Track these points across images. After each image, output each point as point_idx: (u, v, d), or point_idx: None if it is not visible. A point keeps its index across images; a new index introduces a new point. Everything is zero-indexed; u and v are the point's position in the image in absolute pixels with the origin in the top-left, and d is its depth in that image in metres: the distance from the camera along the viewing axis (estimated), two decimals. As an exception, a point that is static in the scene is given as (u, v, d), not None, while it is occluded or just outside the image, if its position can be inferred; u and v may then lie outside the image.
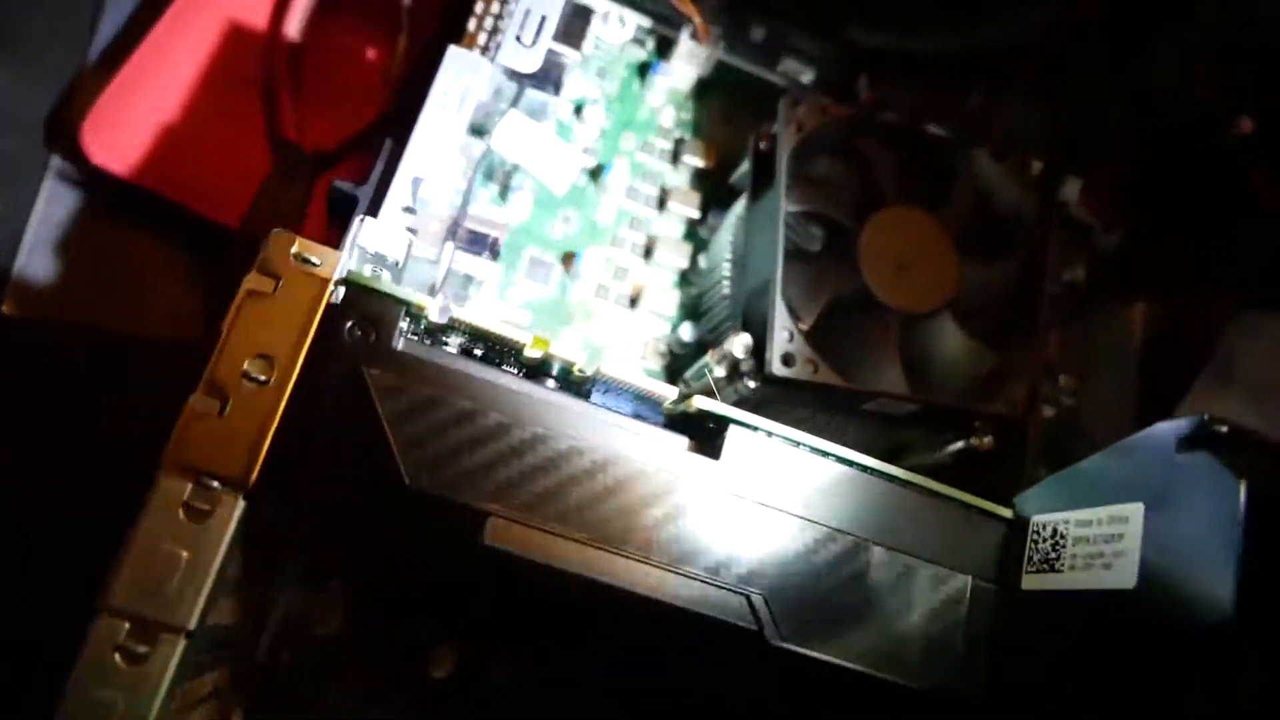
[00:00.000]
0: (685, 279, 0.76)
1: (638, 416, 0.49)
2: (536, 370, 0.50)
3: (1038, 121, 0.89)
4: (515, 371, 0.49)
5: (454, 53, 0.57)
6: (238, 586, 0.43)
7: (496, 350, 0.49)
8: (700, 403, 0.48)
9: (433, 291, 0.61)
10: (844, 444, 0.57)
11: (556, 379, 0.50)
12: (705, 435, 0.48)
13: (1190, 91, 0.78)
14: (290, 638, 0.51)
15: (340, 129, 0.77)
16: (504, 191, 0.72)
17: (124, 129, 0.73)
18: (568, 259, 0.73)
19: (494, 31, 0.60)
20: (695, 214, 0.77)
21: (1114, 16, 0.81)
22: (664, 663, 0.53)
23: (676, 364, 0.74)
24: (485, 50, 0.59)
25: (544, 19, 0.59)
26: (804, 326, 0.66)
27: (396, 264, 0.52)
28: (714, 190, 0.78)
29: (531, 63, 0.58)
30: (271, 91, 0.76)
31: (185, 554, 0.37)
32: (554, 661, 0.55)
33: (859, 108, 0.82)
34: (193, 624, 0.37)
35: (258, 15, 0.78)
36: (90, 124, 0.72)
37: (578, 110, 0.77)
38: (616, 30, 0.80)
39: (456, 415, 0.45)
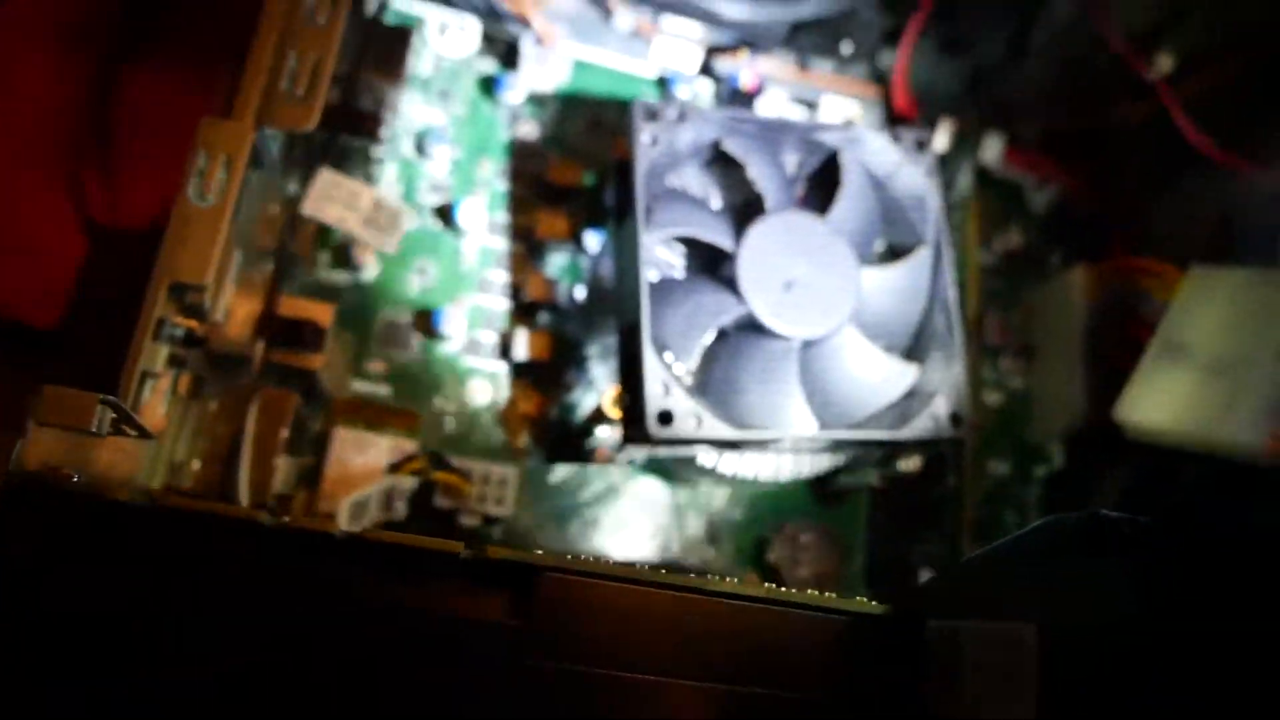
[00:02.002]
0: (567, 311, 0.68)
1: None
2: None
3: (948, 84, 0.80)
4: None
5: (206, 124, 0.49)
6: None
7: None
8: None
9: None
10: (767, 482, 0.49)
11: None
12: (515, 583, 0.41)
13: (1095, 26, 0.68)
14: None
15: (161, 200, 0.69)
16: (342, 253, 0.65)
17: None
18: (425, 317, 0.65)
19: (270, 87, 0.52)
20: (566, 241, 0.68)
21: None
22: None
23: (567, 411, 0.67)
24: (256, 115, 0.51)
25: (315, 63, 0.50)
26: (685, 370, 0.59)
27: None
28: (590, 210, 0.70)
29: (302, 118, 0.50)
30: (75, 169, 0.68)
31: None
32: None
33: (731, 101, 0.73)
34: None
35: (44, 79, 0.70)
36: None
37: (421, 145, 0.68)
38: (458, 42, 0.71)
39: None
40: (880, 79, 0.80)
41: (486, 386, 0.65)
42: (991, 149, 0.77)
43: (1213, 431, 0.60)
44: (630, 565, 0.40)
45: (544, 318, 0.67)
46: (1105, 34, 0.69)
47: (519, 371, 0.66)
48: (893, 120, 0.78)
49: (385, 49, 0.62)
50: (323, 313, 0.58)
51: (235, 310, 0.55)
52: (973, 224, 0.77)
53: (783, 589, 0.41)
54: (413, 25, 0.70)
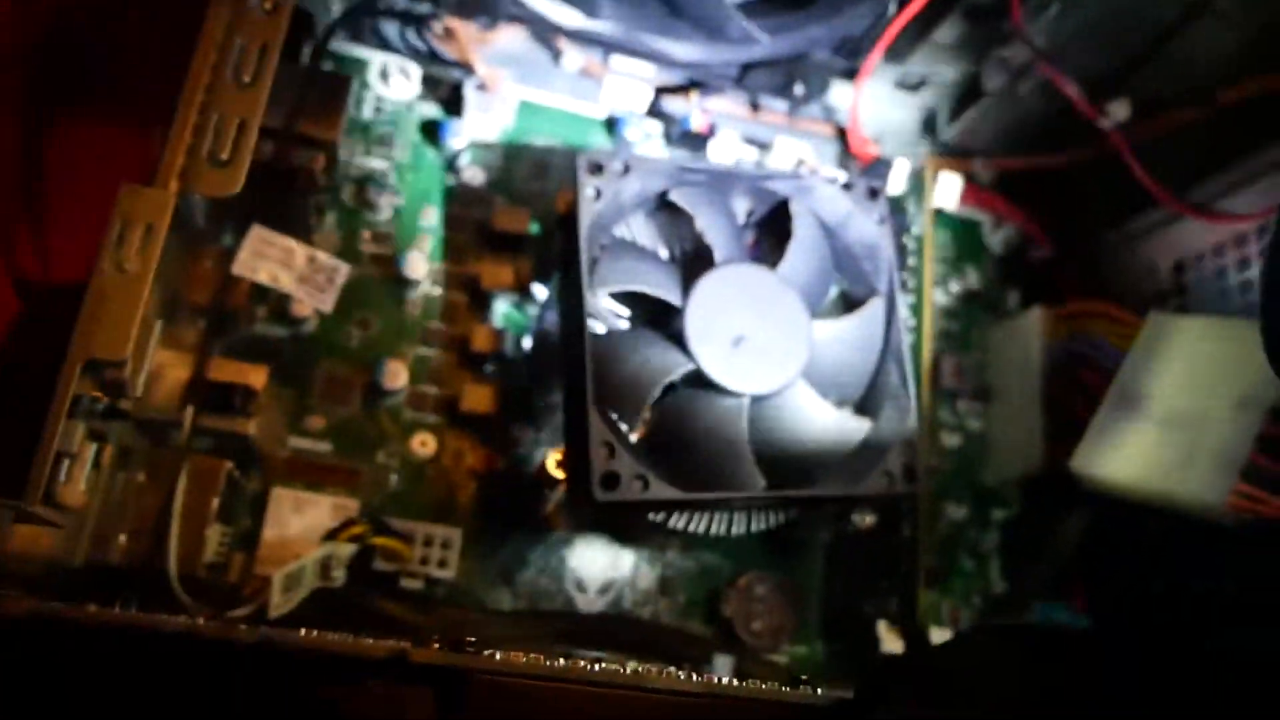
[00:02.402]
0: (511, 361, 0.67)
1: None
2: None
3: (903, 122, 0.79)
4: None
5: (125, 192, 0.47)
6: None
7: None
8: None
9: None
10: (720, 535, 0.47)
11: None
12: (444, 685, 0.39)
13: (1057, 70, 0.67)
14: None
15: (90, 251, 0.66)
16: (280, 306, 0.63)
17: None
18: (367, 371, 0.64)
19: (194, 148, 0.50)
20: (512, 291, 0.67)
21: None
22: None
23: (515, 465, 0.65)
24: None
25: (239, 126, 0.49)
26: (630, 430, 0.57)
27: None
28: (538, 259, 0.68)
29: (227, 184, 0.48)
30: (4, 226, 0.65)
31: None
32: None
33: (682, 142, 0.72)
34: None
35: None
36: None
37: (360, 189, 0.66)
38: (399, 86, 0.69)
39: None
40: (834, 118, 0.79)
41: (430, 441, 0.64)
42: (947, 189, 0.76)
43: (1172, 487, 0.59)
44: (567, 664, 0.39)
45: (490, 370, 0.66)
46: (1057, 80, 0.68)
47: (463, 425, 0.65)
48: (849, 164, 0.77)
49: (323, 98, 0.60)
50: (256, 375, 0.56)
51: (161, 375, 0.53)
52: (928, 265, 0.76)
53: (724, 681, 0.40)
54: (352, 69, 0.68)
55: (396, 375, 0.62)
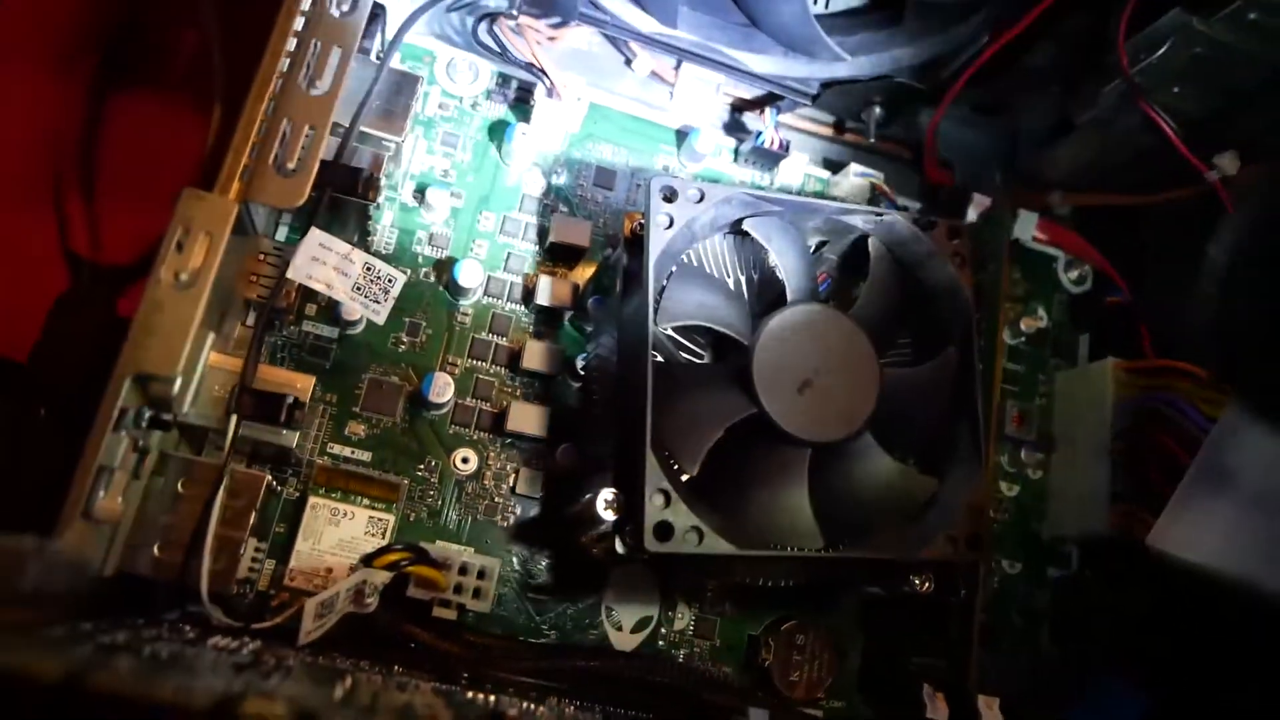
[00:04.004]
0: (564, 382, 0.64)
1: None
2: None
3: (979, 144, 0.75)
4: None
5: (187, 197, 0.44)
6: None
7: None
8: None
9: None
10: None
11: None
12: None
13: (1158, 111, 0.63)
14: None
15: (144, 234, 0.64)
16: (329, 308, 0.60)
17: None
18: (413, 380, 0.61)
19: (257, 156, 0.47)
20: (566, 307, 0.64)
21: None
22: None
23: (558, 492, 0.63)
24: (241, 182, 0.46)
25: (309, 136, 0.46)
26: (687, 474, 0.55)
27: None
28: (597, 275, 0.65)
29: (292, 195, 0.45)
30: (59, 200, 0.63)
31: None
32: None
33: (754, 159, 0.69)
34: None
35: (35, 106, 0.65)
36: None
37: (421, 191, 0.64)
38: (466, 82, 0.66)
39: None
40: (911, 142, 0.75)
41: (473, 458, 0.62)
42: (1023, 224, 0.73)
43: (1259, 575, 0.56)
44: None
45: (540, 388, 0.64)
46: (1157, 121, 0.64)
47: (508, 445, 0.62)
48: (924, 188, 0.74)
49: (390, 95, 0.58)
50: (303, 384, 0.54)
51: (206, 378, 0.51)
52: (1001, 303, 0.72)
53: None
54: (418, 61, 0.65)
55: (444, 389, 0.60)
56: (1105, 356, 0.70)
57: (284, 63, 0.49)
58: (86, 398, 0.62)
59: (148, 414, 0.46)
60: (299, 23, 0.50)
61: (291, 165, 0.46)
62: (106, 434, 0.43)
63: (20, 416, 0.61)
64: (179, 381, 0.44)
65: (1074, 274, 0.76)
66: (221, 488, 0.50)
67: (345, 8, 0.49)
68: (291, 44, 0.49)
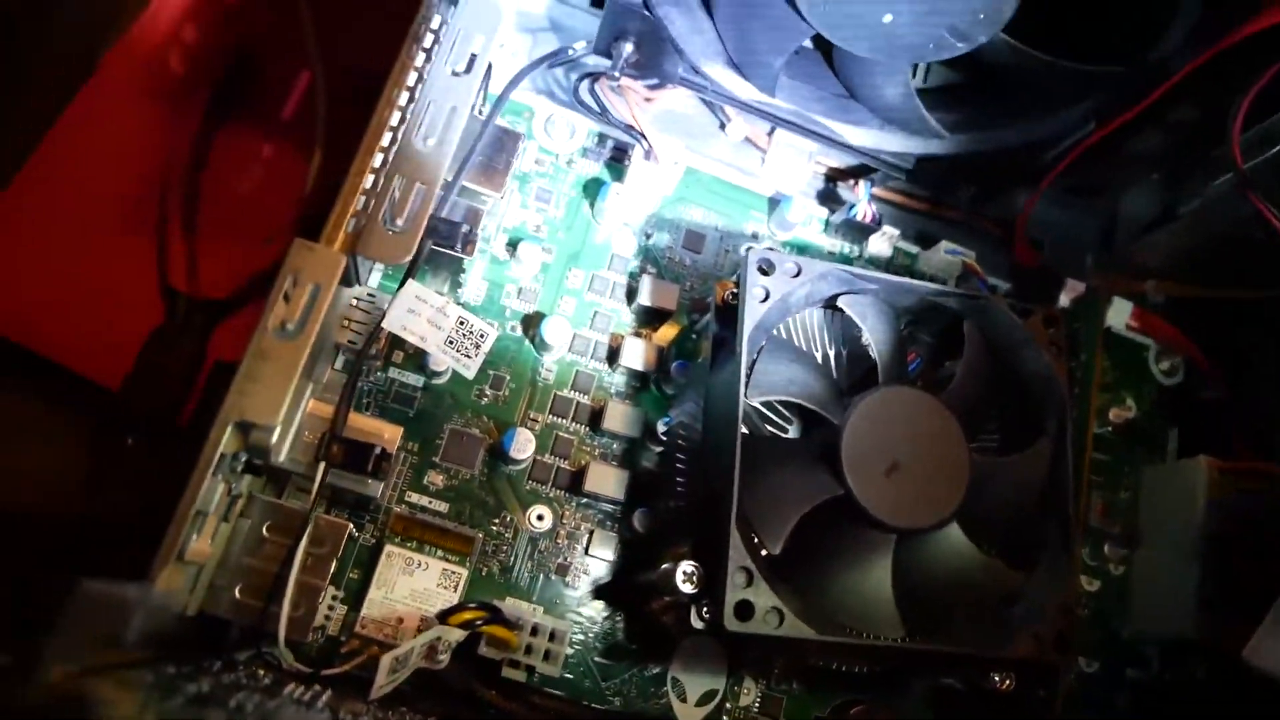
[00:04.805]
0: (643, 444, 0.64)
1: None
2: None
3: (1071, 225, 0.73)
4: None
5: (298, 248, 0.45)
6: None
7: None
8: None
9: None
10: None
11: None
12: None
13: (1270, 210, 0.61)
14: None
15: (239, 271, 0.66)
16: (416, 356, 0.61)
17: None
18: (494, 433, 0.61)
19: (368, 205, 0.48)
20: (650, 370, 0.64)
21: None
22: None
23: (631, 556, 0.62)
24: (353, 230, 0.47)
25: (419, 193, 0.46)
26: (769, 551, 0.53)
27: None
28: (680, 338, 0.65)
29: (399, 252, 0.46)
30: (161, 232, 0.65)
31: None
32: None
33: (845, 231, 0.68)
34: None
35: (147, 138, 0.67)
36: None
37: (513, 245, 0.64)
38: (563, 138, 0.67)
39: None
40: (1002, 219, 0.74)
41: (548, 515, 0.61)
42: (1119, 314, 0.71)
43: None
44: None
45: (619, 449, 0.63)
46: (1269, 217, 0.62)
47: (585, 505, 0.62)
48: (1012, 267, 0.73)
49: (492, 152, 0.58)
50: (391, 435, 0.54)
51: (301, 429, 0.52)
52: (1094, 393, 0.70)
53: None
54: (517, 115, 0.66)
55: (526, 445, 0.60)
56: (1195, 453, 0.68)
57: (394, 115, 0.50)
58: (174, 431, 0.63)
59: (243, 459, 0.46)
60: (411, 76, 0.50)
61: (400, 222, 0.47)
62: (206, 478, 0.43)
63: (109, 444, 0.62)
64: (278, 430, 0.44)
65: (1165, 365, 0.73)
66: (306, 536, 0.50)
67: (460, 68, 0.50)
68: (403, 97, 0.50)
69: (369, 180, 0.48)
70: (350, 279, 0.49)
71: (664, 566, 0.56)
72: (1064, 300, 0.70)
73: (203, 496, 0.43)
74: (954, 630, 0.54)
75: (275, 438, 0.45)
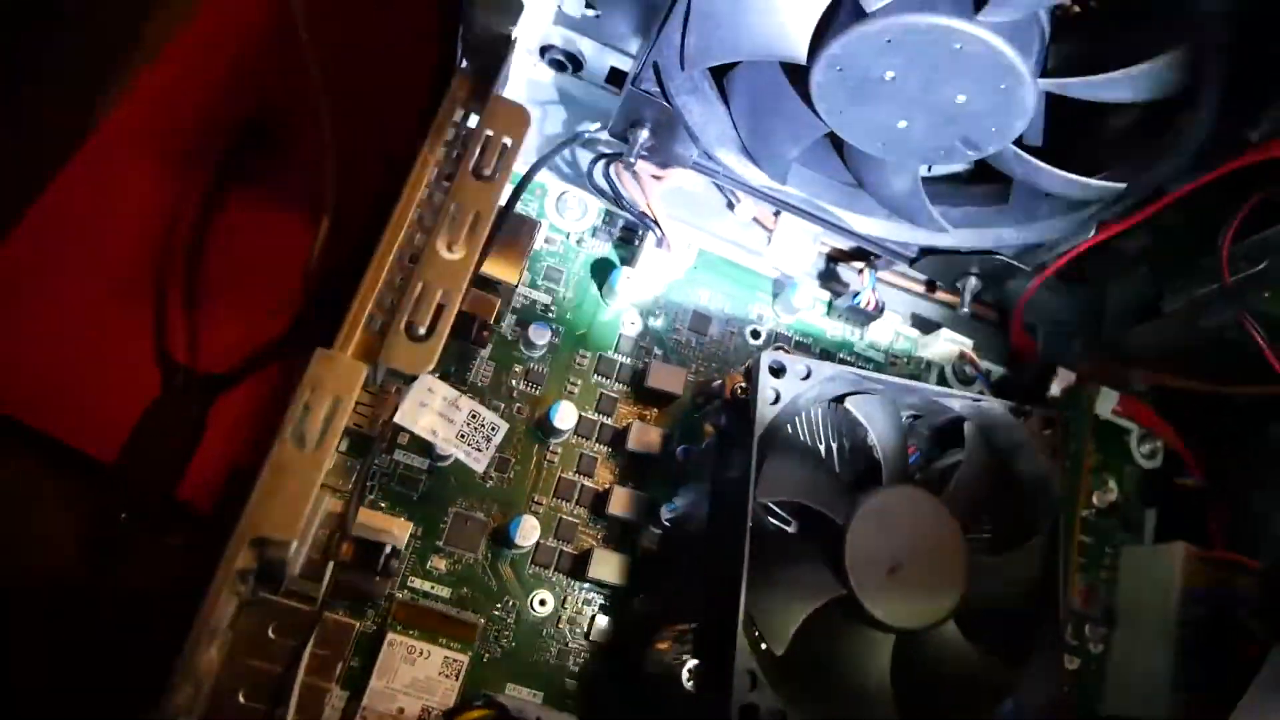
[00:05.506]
0: (646, 530, 0.64)
1: None
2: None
3: (1062, 311, 0.76)
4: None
5: (319, 359, 0.44)
6: None
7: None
8: None
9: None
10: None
11: None
12: None
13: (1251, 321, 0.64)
14: None
15: (240, 343, 0.65)
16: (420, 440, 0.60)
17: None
18: (498, 517, 0.61)
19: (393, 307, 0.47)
20: (655, 454, 0.64)
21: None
22: None
23: (633, 641, 0.62)
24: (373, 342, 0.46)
25: (442, 297, 0.46)
26: (774, 651, 0.54)
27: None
28: (689, 420, 0.66)
29: (421, 362, 0.46)
30: (161, 300, 0.64)
31: None
32: None
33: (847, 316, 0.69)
34: None
35: (150, 199, 0.65)
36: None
37: (522, 326, 0.64)
38: (576, 218, 0.67)
39: None
40: (998, 305, 0.76)
41: (550, 599, 0.61)
42: (1105, 403, 0.73)
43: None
44: None
45: (621, 534, 0.63)
46: (1248, 327, 0.65)
47: (587, 590, 0.62)
48: (1007, 353, 0.74)
49: (509, 238, 0.58)
50: (400, 530, 0.54)
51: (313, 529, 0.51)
52: (1084, 478, 0.72)
53: None
54: (531, 193, 0.66)
55: (530, 533, 0.60)
56: (1172, 537, 0.70)
57: (414, 222, 0.49)
58: (167, 506, 0.62)
59: (254, 574, 0.46)
60: (431, 182, 0.50)
61: (423, 331, 0.47)
62: (221, 595, 0.43)
63: (101, 518, 0.61)
64: (295, 544, 0.44)
65: (1146, 448, 0.76)
66: (313, 637, 0.50)
67: (488, 173, 0.49)
68: (425, 202, 0.50)
69: (384, 280, 0.47)
70: (368, 382, 0.48)
71: (668, 660, 0.56)
72: (1055, 390, 0.72)
73: (217, 613, 0.43)
74: (949, 729, 0.56)
75: (292, 552, 0.44)
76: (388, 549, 0.51)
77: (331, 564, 0.50)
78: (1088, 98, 0.55)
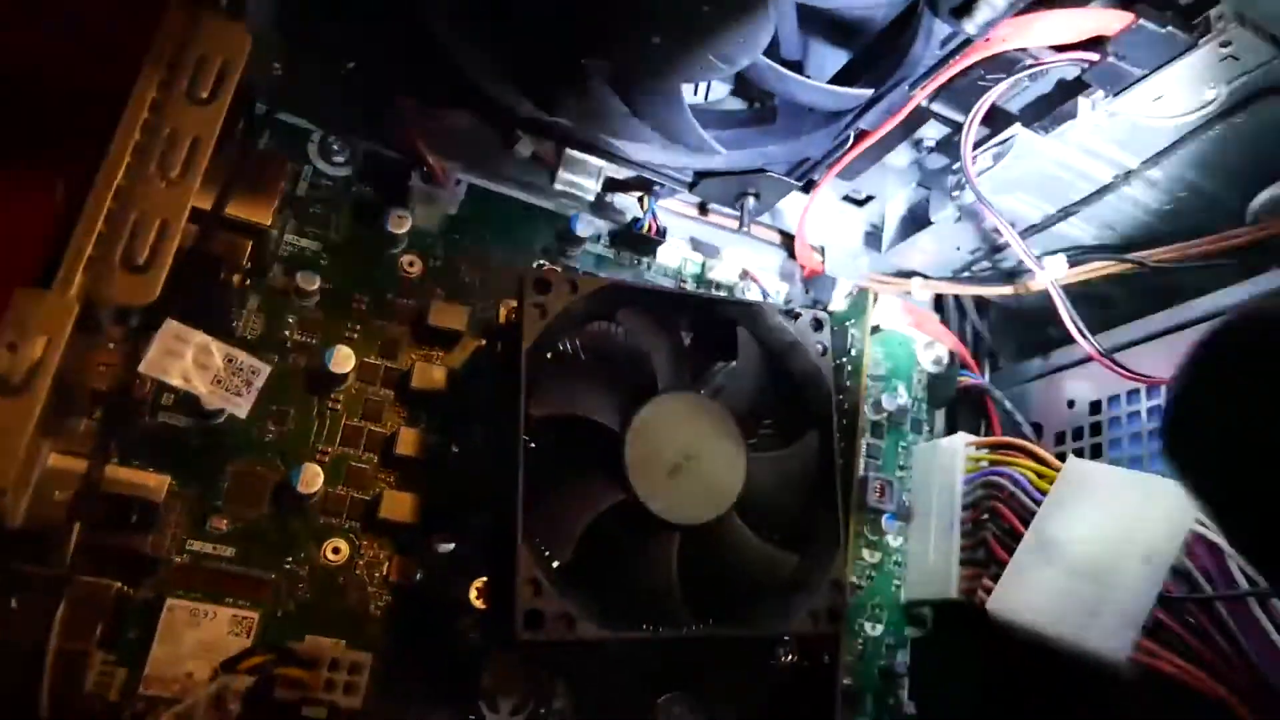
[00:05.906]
0: (437, 468, 0.64)
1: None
2: None
3: (847, 232, 0.80)
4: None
5: (21, 296, 0.42)
6: None
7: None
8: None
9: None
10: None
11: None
12: None
13: (999, 215, 0.69)
14: None
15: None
16: (188, 397, 0.58)
17: None
18: (281, 470, 0.60)
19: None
20: (441, 392, 0.64)
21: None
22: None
23: (429, 584, 0.62)
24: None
25: (163, 226, 0.44)
26: (559, 561, 0.55)
27: None
28: (472, 361, 0.65)
29: (142, 293, 0.44)
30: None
31: None
32: None
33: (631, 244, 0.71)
34: None
35: None
36: None
37: (288, 271, 0.62)
38: (341, 162, 0.65)
39: None
40: (781, 225, 0.79)
41: (344, 548, 0.60)
42: (886, 309, 0.77)
43: (1079, 636, 0.60)
44: None
45: (413, 474, 0.63)
46: (999, 224, 0.70)
47: (381, 533, 0.61)
48: (796, 273, 0.78)
49: (256, 178, 0.56)
50: (156, 484, 0.52)
51: (45, 486, 0.48)
52: (863, 383, 0.76)
53: None
54: (290, 140, 0.64)
55: (314, 480, 0.58)
56: (957, 432, 0.76)
57: (131, 148, 0.47)
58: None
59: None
60: (149, 108, 0.48)
61: (141, 260, 0.45)
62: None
63: None
64: (9, 495, 0.41)
65: (931, 355, 0.81)
66: (62, 605, 0.47)
67: (205, 95, 0.47)
68: (142, 128, 0.47)
69: (104, 220, 0.45)
70: (89, 322, 0.46)
71: (459, 584, 0.56)
72: (840, 301, 0.76)
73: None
74: (740, 616, 0.58)
75: (8, 502, 0.41)
76: (139, 502, 0.48)
77: (77, 525, 0.48)
78: (827, 6, 0.58)
